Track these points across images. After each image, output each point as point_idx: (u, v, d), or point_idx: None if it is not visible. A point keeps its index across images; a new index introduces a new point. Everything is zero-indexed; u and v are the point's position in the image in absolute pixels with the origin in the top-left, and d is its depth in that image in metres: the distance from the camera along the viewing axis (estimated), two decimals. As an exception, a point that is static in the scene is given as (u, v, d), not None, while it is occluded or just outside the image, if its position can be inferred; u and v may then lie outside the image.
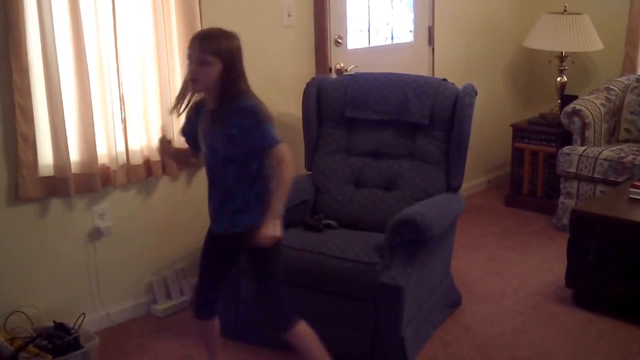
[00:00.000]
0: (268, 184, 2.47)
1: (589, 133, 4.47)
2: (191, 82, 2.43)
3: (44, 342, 2.85)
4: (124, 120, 3.27)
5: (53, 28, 2.90)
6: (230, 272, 2.79)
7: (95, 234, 3.30)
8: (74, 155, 3.10)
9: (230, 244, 2.58)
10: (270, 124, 2.42)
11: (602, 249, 3.40)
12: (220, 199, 2.51)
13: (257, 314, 2.77)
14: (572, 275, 3.54)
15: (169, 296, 3.54)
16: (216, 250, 2.64)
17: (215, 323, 2.76)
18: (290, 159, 2.42)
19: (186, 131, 2.66)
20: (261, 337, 3.15)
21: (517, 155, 4.95)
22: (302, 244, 3.06)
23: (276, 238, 2.39)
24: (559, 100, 4.96)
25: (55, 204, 3.14)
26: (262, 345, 3.14)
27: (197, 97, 2.52)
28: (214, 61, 2.36)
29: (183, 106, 2.51)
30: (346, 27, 4.20)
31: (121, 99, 3.26)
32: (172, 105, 2.55)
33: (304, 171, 3.62)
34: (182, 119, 2.65)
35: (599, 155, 4.30)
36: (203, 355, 2.95)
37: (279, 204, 2.39)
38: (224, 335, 3.23)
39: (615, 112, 4.65)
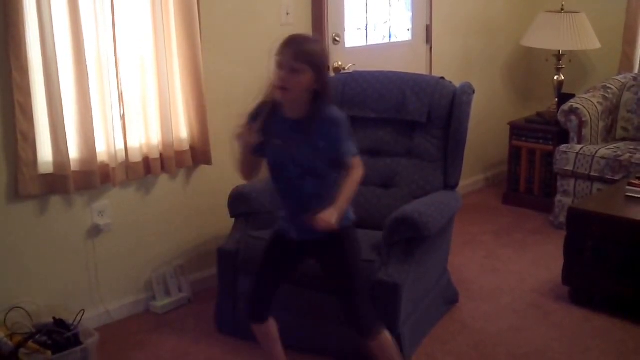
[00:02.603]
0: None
1: (586, 131, 4.49)
2: (280, 90, 2.36)
3: (44, 338, 2.86)
4: (122, 118, 3.28)
5: (52, 27, 2.91)
6: (290, 277, 2.75)
7: (95, 231, 3.31)
8: (74, 152, 3.10)
9: (304, 250, 2.58)
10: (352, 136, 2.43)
11: (598, 247, 3.41)
12: (297, 208, 2.47)
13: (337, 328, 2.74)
14: (569, 273, 3.55)
15: (167, 293, 3.55)
16: (283, 255, 2.63)
17: (272, 324, 2.68)
18: (362, 168, 2.46)
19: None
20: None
21: (515, 154, 4.96)
22: (301, 241, 3.06)
23: (330, 225, 2.32)
24: (556, 99, 4.97)
25: (55, 201, 3.15)
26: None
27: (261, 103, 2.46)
28: (304, 69, 2.32)
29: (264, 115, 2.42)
30: (344, 26, 4.20)
31: (120, 96, 3.27)
32: (252, 113, 2.45)
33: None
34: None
35: (595, 154, 4.31)
36: (201, 352, 2.97)
37: (344, 199, 2.38)
38: (220, 331, 3.27)
39: (612, 111, 4.66)
